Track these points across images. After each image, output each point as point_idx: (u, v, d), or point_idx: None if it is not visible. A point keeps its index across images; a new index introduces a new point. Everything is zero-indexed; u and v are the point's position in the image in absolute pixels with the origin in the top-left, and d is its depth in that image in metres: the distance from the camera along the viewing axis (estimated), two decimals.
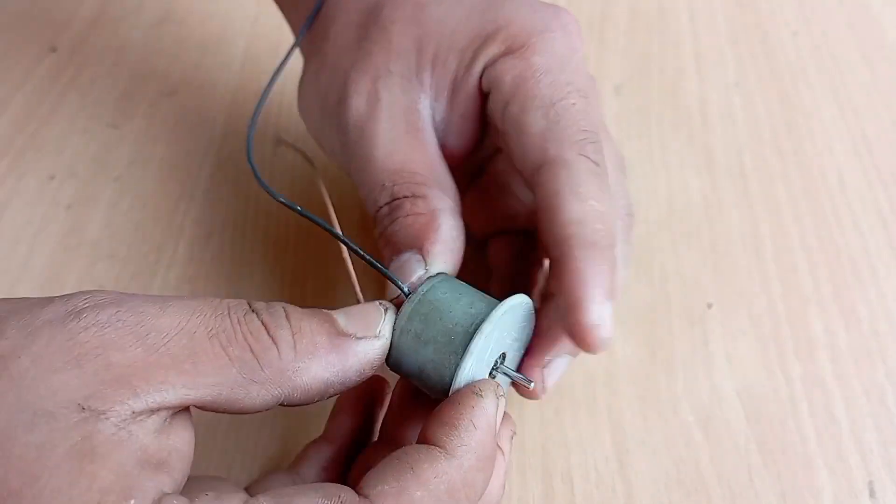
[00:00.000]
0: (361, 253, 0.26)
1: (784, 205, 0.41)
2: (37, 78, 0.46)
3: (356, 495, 0.21)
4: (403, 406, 0.28)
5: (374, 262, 0.26)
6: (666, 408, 0.33)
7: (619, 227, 0.28)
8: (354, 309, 0.24)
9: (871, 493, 0.31)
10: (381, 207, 0.27)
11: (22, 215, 0.40)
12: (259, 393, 0.22)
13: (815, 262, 0.38)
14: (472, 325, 0.24)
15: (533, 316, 0.27)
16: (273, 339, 0.22)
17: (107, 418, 0.20)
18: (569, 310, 0.24)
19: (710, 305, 0.37)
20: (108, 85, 0.46)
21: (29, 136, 0.43)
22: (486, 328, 0.24)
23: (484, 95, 0.29)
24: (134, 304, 0.22)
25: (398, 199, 0.27)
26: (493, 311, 0.24)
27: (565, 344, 0.27)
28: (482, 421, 0.23)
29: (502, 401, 0.24)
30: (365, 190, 0.28)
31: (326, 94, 0.30)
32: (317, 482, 0.28)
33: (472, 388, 0.24)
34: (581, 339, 0.24)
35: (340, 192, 0.34)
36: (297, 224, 0.40)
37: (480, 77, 0.28)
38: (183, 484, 0.22)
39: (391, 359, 0.25)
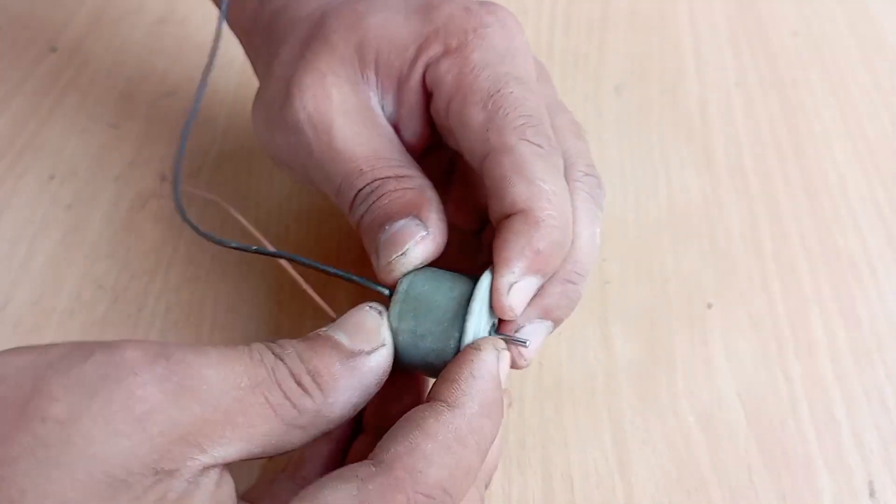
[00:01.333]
0: (332, 270, 0.27)
1: (784, 205, 0.41)
2: (37, 78, 0.46)
3: (370, 466, 0.22)
4: (383, 395, 0.28)
5: (347, 274, 0.27)
6: (666, 408, 0.33)
7: (581, 188, 0.28)
8: (349, 322, 0.24)
9: (871, 493, 0.31)
10: (360, 190, 0.27)
11: (22, 215, 0.40)
12: (300, 436, 0.22)
13: (815, 262, 0.38)
14: (459, 307, 0.25)
15: None
16: (300, 386, 0.22)
17: (180, 475, 0.20)
18: (496, 277, 0.25)
19: (710, 305, 0.37)
20: (108, 85, 0.46)
21: (29, 136, 0.43)
22: (475, 307, 0.24)
23: (428, 95, 0.29)
24: (178, 355, 0.21)
25: (380, 179, 0.27)
26: (476, 290, 0.25)
27: (534, 309, 0.27)
28: (482, 370, 0.23)
29: (504, 354, 0.24)
30: (336, 180, 0.28)
31: (272, 102, 0.30)
32: None
33: (472, 345, 0.24)
34: (493, 303, 0.25)
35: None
36: (297, 224, 0.40)
37: (423, 77, 0.29)
38: None
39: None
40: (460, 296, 0.25)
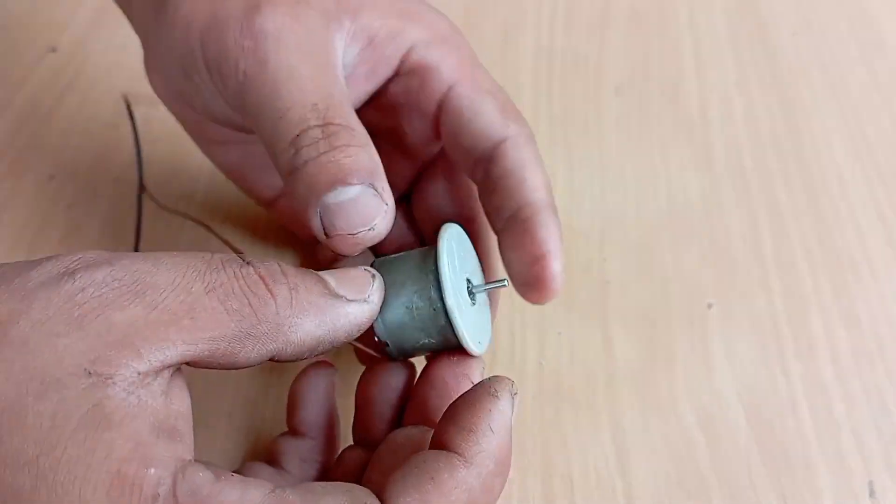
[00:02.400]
0: None
1: (784, 205, 0.41)
2: (37, 78, 0.46)
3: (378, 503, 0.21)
4: (368, 411, 0.28)
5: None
6: (666, 408, 0.33)
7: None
8: (342, 273, 0.24)
9: (871, 493, 0.31)
10: (311, 128, 0.25)
11: (22, 215, 0.40)
12: (254, 347, 0.22)
13: (815, 262, 0.38)
14: (429, 269, 0.26)
15: (466, 236, 0.29)
16: (271, 293, 0.22)
17: (114, 383, 0.20)
18: (539, 260, 0.27)
19: (710, 305, 0.37)
20: (108, 85, 0.46)
21: (29, 136, 0.43)
22: (443, 261, 0.25)
23: (395, 72, 0.30)
24: (126, 262, 0.21)
25: (333, 124, 0.25)
26: (440, 252, 0.26)
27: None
28: (499, 424, 0.23)
29: (516, 399, 0.24)
30: (282, 106, 0.26)
31: (216, 14, 0.27)
32: (301, 475, 0.28)
33: (488, 388, 0.23)
34: (545, 285, 0.27)
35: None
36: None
37: (405, 54, 0.29)
38: (193, 450, 0.22)
39: (384, 328, 0.26)
40: (426, 255, 0.26)
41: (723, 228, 0.40)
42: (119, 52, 0.48)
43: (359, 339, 0.28)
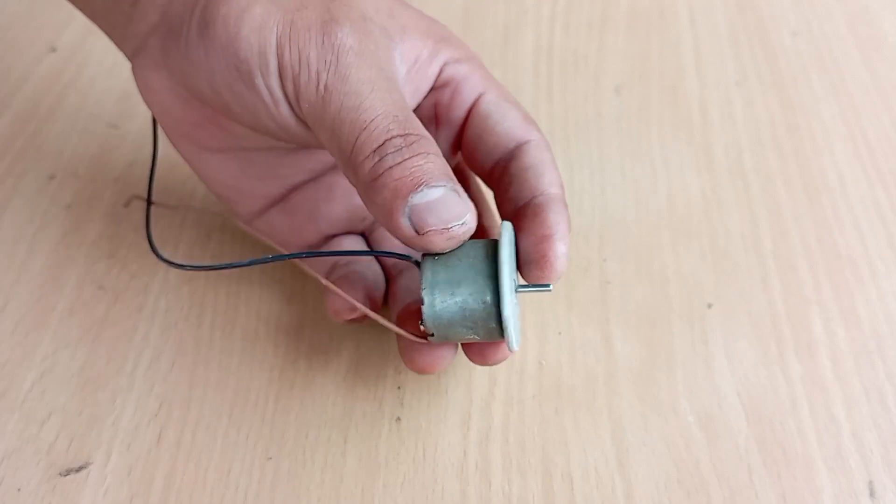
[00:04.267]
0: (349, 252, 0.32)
1: (784, 205, 0.41)
2: (37, 78, 0.46)
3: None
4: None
5: (365, 252, 0.32)
6: (666, 408, 0.33)
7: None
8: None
9: (871, 493, 0.31)
10: (394, 137, 0.26)
11: (22, 215, 0.40)
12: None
13: (815, 262, 0.38)
14: (488, 269, 0.27)
15: (514, 233, 0.29)
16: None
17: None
18: (545, 239, 0.28)
19: (710, 305, 0.37)
20: (108, 85, 0.46)
21: (29, 136, 0.43)
22: (505, 269, 0.26)
23: (431, 88, 0.31)
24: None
25: (413, 133, 0.27)
26: (501, 258, 0.26)
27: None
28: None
29: None
30: (367, 123, 0.27)
31: (294, 23, 0.27)
32: None
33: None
34: (548, 262, 0.28)
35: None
36: None
37: (440, 70, 0.31)
38: None
39: (433, 322, 0.27)
40: (486, 247, 0.27)
41: (723, 228, 0.40)
42: (119, 52, 0.48)
43: (403, 326, 0.29)
